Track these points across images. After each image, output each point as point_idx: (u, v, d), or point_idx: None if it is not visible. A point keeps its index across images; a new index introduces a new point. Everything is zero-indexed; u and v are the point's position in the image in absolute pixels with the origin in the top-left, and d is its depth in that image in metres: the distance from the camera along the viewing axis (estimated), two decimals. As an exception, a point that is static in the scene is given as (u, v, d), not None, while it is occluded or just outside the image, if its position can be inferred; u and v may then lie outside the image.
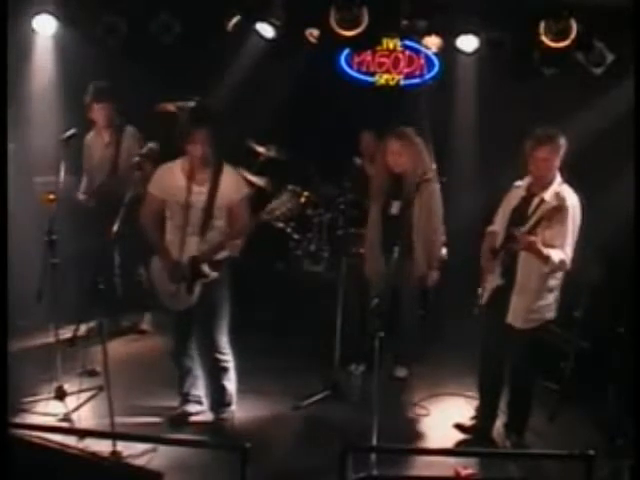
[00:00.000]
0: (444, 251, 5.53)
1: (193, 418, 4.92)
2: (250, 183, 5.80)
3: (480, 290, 4.65)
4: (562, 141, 4.43)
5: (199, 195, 4.54)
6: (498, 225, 4.69)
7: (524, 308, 4.50)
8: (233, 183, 4.61)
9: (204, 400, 4.98)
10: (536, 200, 4.47)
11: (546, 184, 4.46)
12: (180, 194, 4.55)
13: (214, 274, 4.60)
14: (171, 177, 4.60)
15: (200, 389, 4.98)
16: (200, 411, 4.97)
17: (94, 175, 6.05)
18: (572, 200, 4.41)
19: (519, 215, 4.52)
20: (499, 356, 4.72)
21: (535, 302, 4.50)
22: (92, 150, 6.02)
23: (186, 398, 4.94)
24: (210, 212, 4.54)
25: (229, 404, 4.87)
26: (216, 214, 4.56)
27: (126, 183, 5.53)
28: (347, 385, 5.47)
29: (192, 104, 6.05)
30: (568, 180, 4.50)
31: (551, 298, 4.55)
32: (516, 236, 4.34)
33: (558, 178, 4.48)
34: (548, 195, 4.42)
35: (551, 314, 4.59)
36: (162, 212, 4.65)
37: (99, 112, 5.90)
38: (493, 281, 4.59)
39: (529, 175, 4.56)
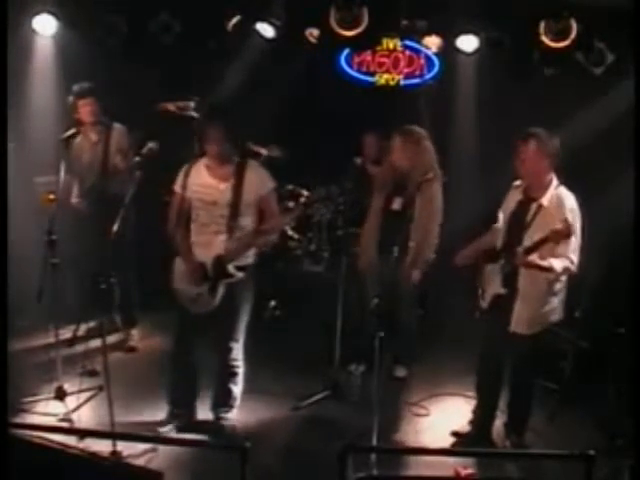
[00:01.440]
0: (432, 255, 5.48)
1: (193, 418, 4.90)
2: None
3: (480, 292, 4.60)
4: (548, 140, 4.30)
5: (224, 192, 4.49)
6: (501, 225, 4.63)
7: (528, 315, 4.42)
8: (258, 178, 4.56)
9: (197, 403, 4.88)
10: (534, 205, 4.36)
11: (542, 187, 4.36)
12: (205, 191, 4.51)
13: (239, 274, 4.54)
14: (195, 174, 4.56)
15: (194, 393, 4.86)
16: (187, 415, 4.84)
17: (84, 177, 5.87)
18: (571, 204, 4.32)
19: (518, 220, 4.44)
20: (499, 356, 4.69)
21: (540, 308, 4.42)
22: (80, 152, 5.81)
23: (176, 403, 4.80)
24: (236, 209, 4.47)
25: (231, 406, 4.83)
26: (243, 211, 4.49)
27: (119, 181, 5.53)
28: (347, 385, 5.46)
29: (192, 104, 6.02)
30: (566, 182, 4.42)
31: (556, 301, 4.47)
32: (515, 254, 4.24)
33: (555, 181, 4.39)
34: (546, 200, 4.33)
35: (556, 317, 4.51)
36: (187, 212, 4.58)
37: (84, 109, 5.71)
38: (494, 289, 4.50)
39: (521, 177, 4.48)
